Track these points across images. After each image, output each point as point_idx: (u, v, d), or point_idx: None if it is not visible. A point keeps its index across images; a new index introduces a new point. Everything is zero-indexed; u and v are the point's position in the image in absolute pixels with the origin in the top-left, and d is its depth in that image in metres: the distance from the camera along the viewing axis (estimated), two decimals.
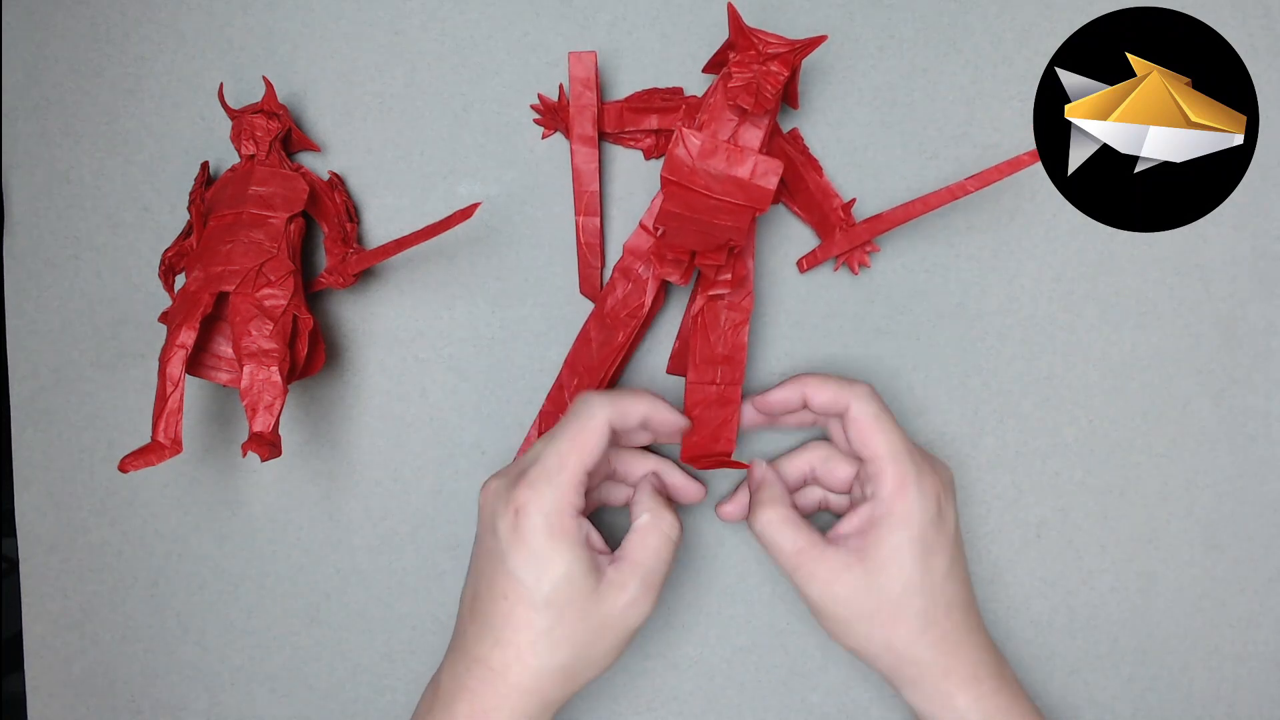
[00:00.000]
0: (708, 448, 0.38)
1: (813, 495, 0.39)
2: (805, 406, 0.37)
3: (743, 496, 0.39)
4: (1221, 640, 0.41)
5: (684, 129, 0.35)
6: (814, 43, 0.35)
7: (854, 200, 0.40)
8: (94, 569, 0.42)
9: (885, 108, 0.40)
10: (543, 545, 0.33)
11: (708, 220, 0.34)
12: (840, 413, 0.36)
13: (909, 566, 0.34)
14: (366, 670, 0.42)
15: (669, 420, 0.36)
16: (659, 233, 0.35)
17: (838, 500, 0.39)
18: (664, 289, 0.39)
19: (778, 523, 0.36)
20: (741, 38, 0.35)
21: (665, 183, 0.35)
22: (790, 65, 0.35)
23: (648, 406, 0.35)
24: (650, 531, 0.35)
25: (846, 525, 0.36)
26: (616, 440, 0.36)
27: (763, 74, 0.35)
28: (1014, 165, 0.36)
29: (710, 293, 0.37)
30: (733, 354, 0.37)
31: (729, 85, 0.35)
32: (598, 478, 0.37)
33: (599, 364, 0.39)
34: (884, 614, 0.34)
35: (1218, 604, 0.41)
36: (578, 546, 0.33)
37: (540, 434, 0.40)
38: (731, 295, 0.37)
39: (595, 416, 0.34)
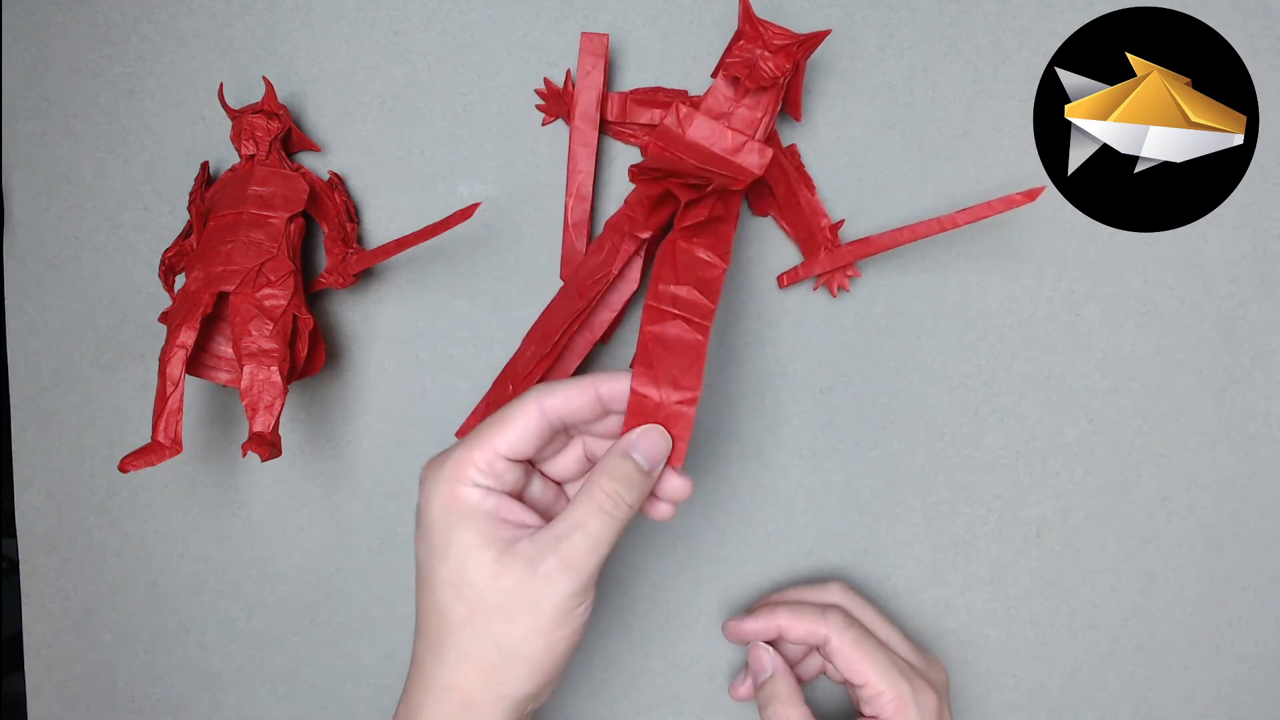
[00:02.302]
0: (664, 399, 0.31)
1: (813, 663, 0.39)
2: (781, 638, 0.37)
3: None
4: (1221, 640, 0.41)
5: (679, 104, 0.36)
6: (817, 37, 0.35)
7: (843, 221, 0.40)
8: (94, 569, 0.42)
9: (885, 107, 0.40)
10: (436, 518, 0.30)
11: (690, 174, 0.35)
12: (819, 644, 0.36)
13: None
14: (366, 670, 0.42)
15: (616, 389, 0.31)
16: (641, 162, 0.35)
17: (836, 671, 0.38)
18: (639, 267, 0.38)
19: None
20: (749, 25, 0.36)
21: (652, 146, 0.36)
22: (793, 59, 0.35)
23: (592, 387, 0.31)
24: (582, 499, 0.30)
25: None
26: (565, 428, 0.31)
27: (762, 57, 0.36)
28: (1007, 203, 0.36)
29: (685, 224, 0.33)
30: (703, 287, 0.32)
31: (727, 61, 0.36)
32: (570, 464, 0.33)
33: (553, 331, 0.37)
34: None
35: (1218, 604, 0.41)
36: (473, 518, 0.29)
37: (487, 405, 0.38)
38: (705, 240, 0.33)
39: (522, 401, 0.30)
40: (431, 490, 0.30)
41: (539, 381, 0.35)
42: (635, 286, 0.38)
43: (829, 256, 0.39)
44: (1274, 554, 0.41)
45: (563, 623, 0.29)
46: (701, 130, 0.36)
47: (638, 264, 0.38)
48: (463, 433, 0.36)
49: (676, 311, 0.31)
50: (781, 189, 0.39)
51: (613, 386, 0.30)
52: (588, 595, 0.29)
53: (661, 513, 0.32)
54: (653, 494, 0.32)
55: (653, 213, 0.37)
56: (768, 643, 0.38)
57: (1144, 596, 0.41)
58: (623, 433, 0.30)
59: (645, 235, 0.36)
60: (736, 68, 0.36)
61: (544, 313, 0.38)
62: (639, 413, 0.30)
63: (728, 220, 0.35)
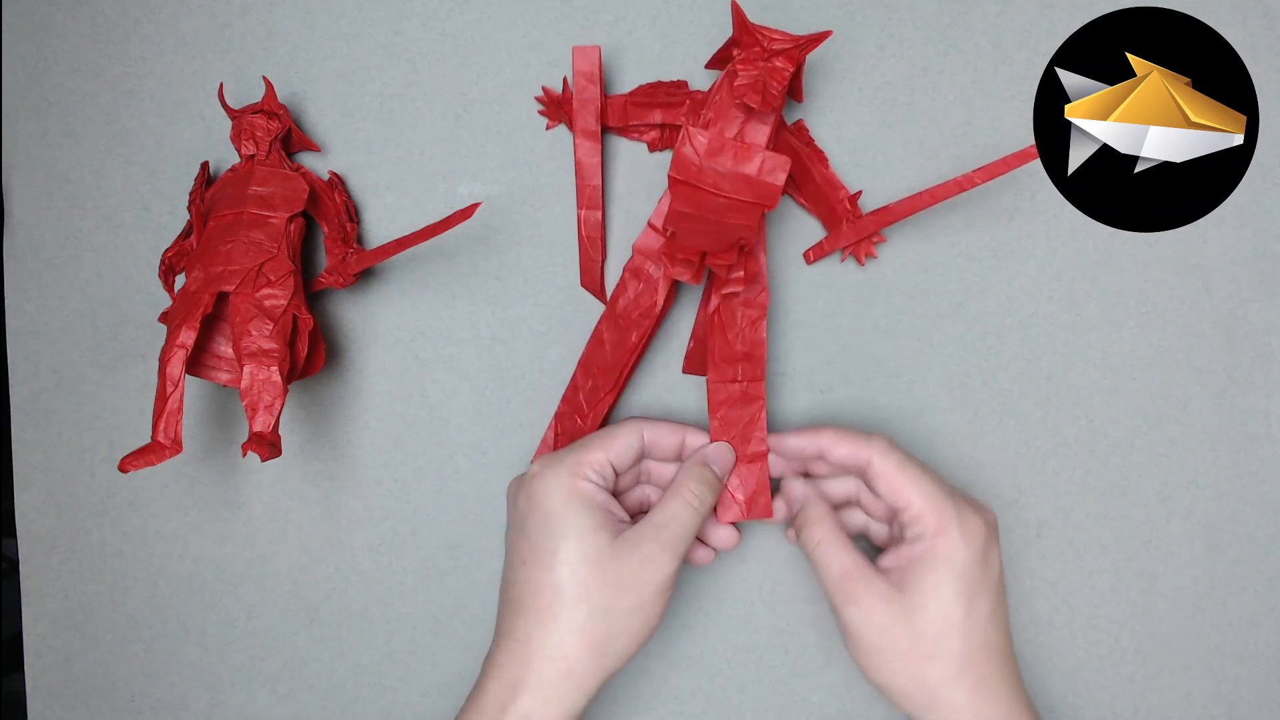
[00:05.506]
0: (740, 450, 0.38)
1: (855, 519, 0.39)
2: (822, 459, 0.37)
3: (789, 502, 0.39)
4: (1221, 640, 0.41)
5: (690, 128, 0.35)
6: (818, 39, 0.35)
7: (860, 192, 0.40)
8: (94, 569, 0.42)
9: (886, 107, 0.40)
10: (557, 505, 0.34)
11: (717, 220, 0.34)
12: (861, 468, 0.36)
13: (950, 604, 0.34)
14: (366, 670, 0.42)
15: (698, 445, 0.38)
16: (669, 234, 0.35)
17: (878, 529, 0.38)
18: (674, 288, 0.39)
19: (826, 542, 0.36)
20: (745, 34, 0.35)
21: (673, 182, 0.35)
22: (795, 61, 0.35)
23: (681, 433, 0.38)
24: (673, 496, 0.36)
25: (888, 560, 0.36)
26: (648, 453, 0.38)
27: (768, 71, 0.35)
28: (1021, 158, 0.36)
29: (725, 291, 0.37)
30: (752, 350, 0.37)
31: (735, 84, 0.35)
32: (630, 478, 0.38)
33: (613, 365, 0.39)
34: (920, 650, 0.34)
35: (1218, 604, 0.41)
36: (591, 507, 0.34)
37: (556, 435, 0.40)
38: (746, 292, 0.37)
39: (629, 424, 0.37)
40: (550, 481, 0.35)
41: (608, 411, 0.40)
42: (672, 302, 0.39)
43: (851, 229, 0.39)
44: (1274, 554, 0.41)
45: (659, 600, 0.34)
46: (719, 155, 0.35)
47: (673, 284, 0.39)
48: (537, 457, 0.39)
49: (739, 380, 0.37)
50: (796, 167, 0.39)
51: (695, 439, 0.38)
52: (675, 579, 0.35)
53: (702, 558, 0.38)
54: (701, 539, 0.38)
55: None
56: (805, 476, 0.38)
57: (1144, 596, 0.41)
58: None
59: (684, 278, 0.35)
60: (748, 94, 0.35)
61: (592, 342, 0.39)
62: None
63: (756, 245, 0.37)
